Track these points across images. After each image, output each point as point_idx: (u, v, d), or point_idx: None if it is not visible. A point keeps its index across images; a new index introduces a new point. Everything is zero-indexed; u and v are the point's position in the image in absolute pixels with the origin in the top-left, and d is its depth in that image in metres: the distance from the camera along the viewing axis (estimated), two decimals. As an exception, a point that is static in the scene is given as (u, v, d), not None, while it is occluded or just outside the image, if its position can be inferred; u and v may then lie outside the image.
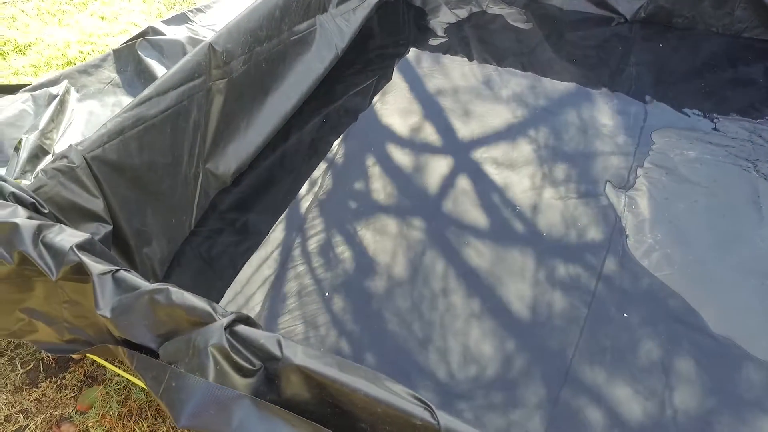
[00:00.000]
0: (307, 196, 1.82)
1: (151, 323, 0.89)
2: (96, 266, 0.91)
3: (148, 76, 1.93)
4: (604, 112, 2.12)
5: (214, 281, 1.56)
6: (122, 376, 1.34)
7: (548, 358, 1.34)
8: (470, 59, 2.43)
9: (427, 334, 1.40)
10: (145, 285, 0.91)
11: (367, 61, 2.38)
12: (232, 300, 1.53)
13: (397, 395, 0.73)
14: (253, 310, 1.49)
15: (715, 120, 2.03)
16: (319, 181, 1.88)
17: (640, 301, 1.44)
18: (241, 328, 0.84)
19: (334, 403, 0.79)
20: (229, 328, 0.83)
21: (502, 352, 1.36)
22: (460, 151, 1.97)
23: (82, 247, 0.96)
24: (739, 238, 1.58)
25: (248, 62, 1.71)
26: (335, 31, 2.17)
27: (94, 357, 1.34)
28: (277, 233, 1.71)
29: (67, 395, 1.32)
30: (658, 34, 2.55)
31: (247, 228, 1.70)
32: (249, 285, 1.57)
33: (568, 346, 1.36)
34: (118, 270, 0.93)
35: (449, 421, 0.69)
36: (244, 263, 1.61)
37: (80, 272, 0.94)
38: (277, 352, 0.80)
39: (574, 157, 1.91)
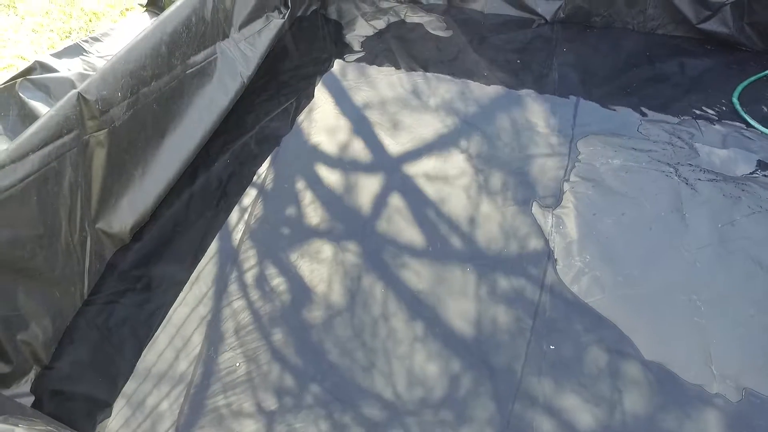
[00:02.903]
0: (238, 226, 1.71)
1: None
2: None
3: (33, 121, 1.72)
4: (534, 116, 2.08)
5: (113, 356, 1.39)
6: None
7: (497, 374, 1.32)
8: (397, 68, 2.34)
9: (371, 360, 1.36)
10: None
11: (280, 84, 2.24)
12: (169, 344, 1.42)
13: None
14: (193, 352, 1.41)
15: (637, 123, 2.00)
16: (249, 209, 1.77)
17: (574, 329, 1.38)
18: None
19: None
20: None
21: (448, 373, 1.33)
22: (391, 167, 1.89)
23: None
24: (665, 251, 1.54)
25: (134, 106, 1.54)
26: (239, 57, 2.01)
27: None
28: (210, 267, 1.59)
29: None
30: (579, 34, 2.54)
31: (152, 283, 1.54)
32: (185, 326, 1.47)
33: (515, 359, 1.33)
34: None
35: None
36: (156, 322, 1.47)
37: None
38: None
39: (509, 165, 1.86)
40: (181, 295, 1.51)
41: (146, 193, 1.64)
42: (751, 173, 1.78)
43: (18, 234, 1.21)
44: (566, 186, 1.74)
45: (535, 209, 1.68)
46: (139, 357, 1.39)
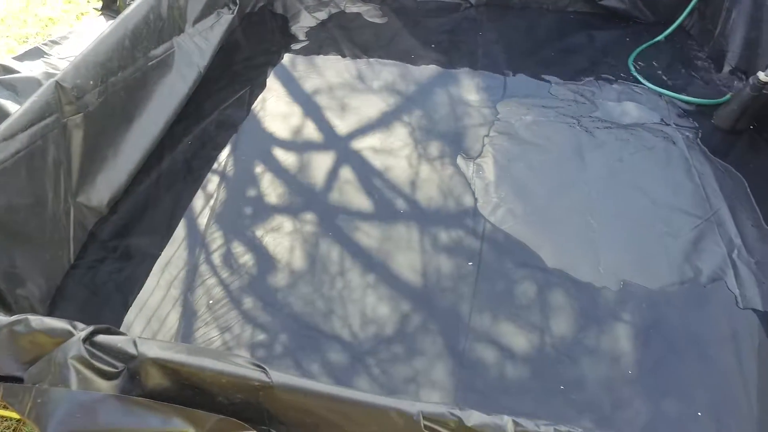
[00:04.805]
0: (204, 210, 1.89)
1: (15, 354, 0.96)
2: (-51, 311, 0.96)
3: (3, 118, 1.90)
4: (466, 90, 2.35)
5: (102, 309, 1.60)
6: (11, 419, 1.36)
7: (442, 312, 1.53)
8: (342, 56, 2.58)
9: (330, 308, 1.56)
10: (1, 319, 0.97)
11: (234, 74, 2.47)
12: (146, 327, 1.57)
13: (236, 365, 0.86)
14: (170, 331, 1.55)
15: (549, 87, 2.32)
16: (215, 194, 1.95)
17: (498, 253, 1.67)
18: (100, 338, 0.93)
19: (192, 385, 0.90)
20: (89, 339, 0.92)
21: (399, 314, 1.54)
22: (341, 145, 2.11)
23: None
24: (567, 185, 1.86)
25: (104, 93, 1.75)
26: (194, 50, 2.24)
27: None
28: (179, 252, 1.76)
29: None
30: (501, 15, 2.84)
31: (131, 252, 1.74)
32: (161, 309, 1.62)
33: (460, 300, 1.55)
34: (-27, 311, 0.98)
35: (281, 376, 0.84)
36: (135, 287, 1.66)
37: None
38: (133, 351, 0.90)
39: (446, 134, 2.12)
40: (154, 278, 1.67)
41: (119, 171, 1.85)
42: (638, 121, 2.12)
43: (12, 201, 1.41)
44: (486, 140, 2.04)
45: (459, 161, 1.97)
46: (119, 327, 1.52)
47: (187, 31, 2.26)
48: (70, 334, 0.94)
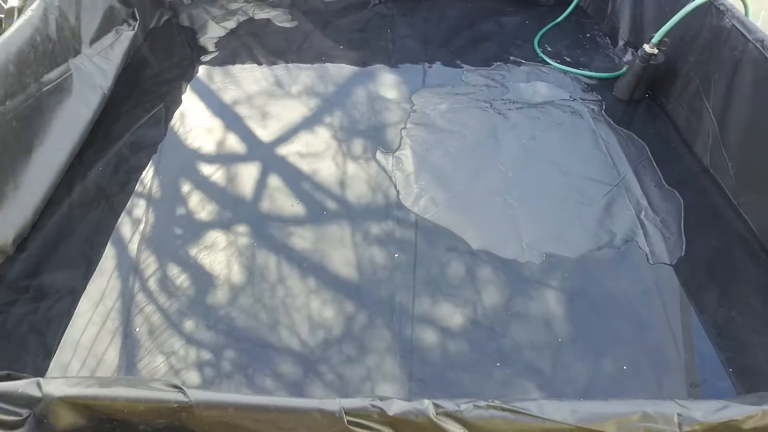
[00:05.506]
0: (134, 236, 1.81)
1: None
2: None
3: None
4: (384, 85, 2.37)
5: (17, 355, 1.49)
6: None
7: (383, 305, 1.55)
8: (258, 64, 2.54)
9: (275, 318, 1.54)
10: None
11: (144, 92, 2.37)
12: (83, 366, 1.47)
13: (150, 389, 0.82)
14: (111, 366, 1.47)
15: (461, 74, 2.39)
16: (142, 218, 1.87)
17: (427, 241, 1.70)
18: (-2, 386, 0.87)
19: (109, 419, 0.86)
20: (-16, 390, 0.86)
21: (344, 314, 1.54)
22: (266, 153, 2.08)
23: None
24: (484, 168, 1.92)
25: (-8, 125, 1.63)
26: (95, 71, 2.13)
27: None
28: (111, 282, 1.67)
29: None
30: (411, 8, 2.89)
31: (45, 290, 1.64)
32: (97, 344, 1.53)
33: (399, 291, 1.57)
34: None
35: (199, 394, 0.81)
36: (57, 327, 1.56)
37: None
38: (37, 393, 0.85)
39: (367, 131, 2.13)
40: (86, 314, 1.58)
41: (22, 206, 1.73)
42: (548, 99, 2.23)
43: None
44: (403, 133, 2.07)
45: (379, 155, 1.99)
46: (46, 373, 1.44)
47: (84, 52, 2.14)
48: (-36, 387, 0.87)
